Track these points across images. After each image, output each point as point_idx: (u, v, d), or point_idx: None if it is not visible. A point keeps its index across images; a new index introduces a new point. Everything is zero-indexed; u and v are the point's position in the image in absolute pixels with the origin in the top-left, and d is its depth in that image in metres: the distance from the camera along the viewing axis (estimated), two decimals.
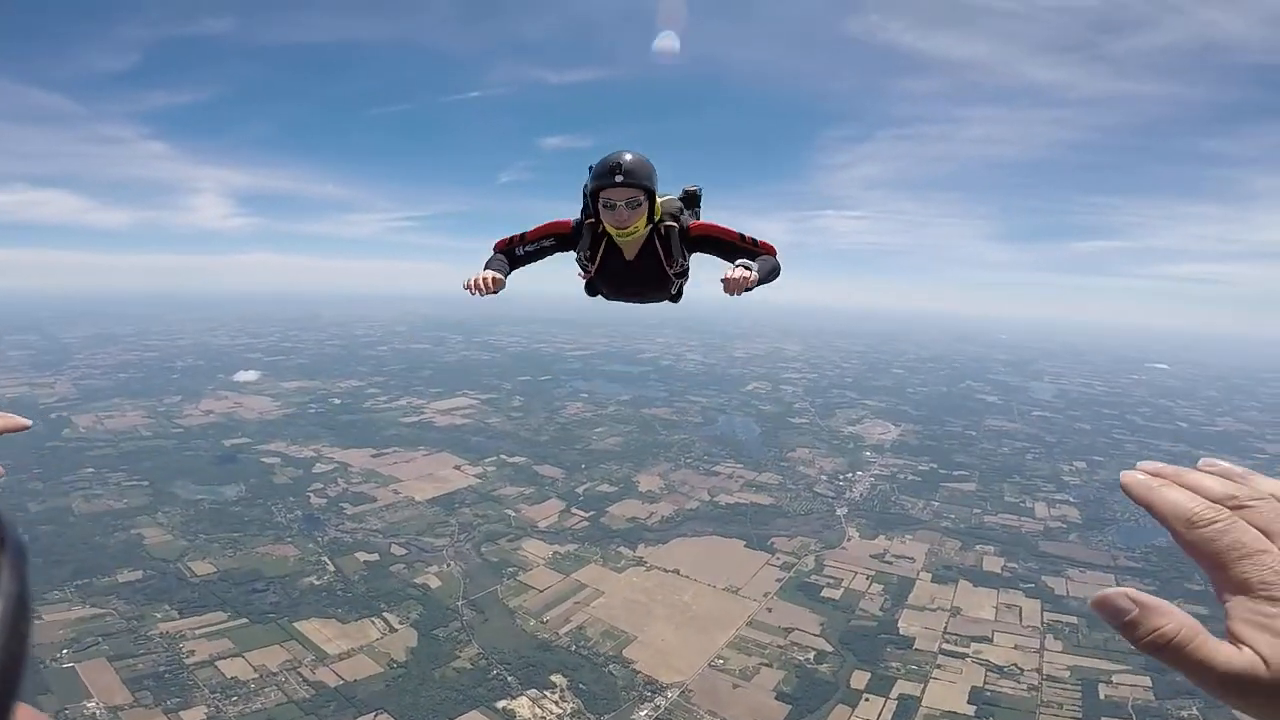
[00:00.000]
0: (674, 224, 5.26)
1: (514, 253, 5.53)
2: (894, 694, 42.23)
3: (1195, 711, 40.29)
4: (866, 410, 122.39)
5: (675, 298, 5.91)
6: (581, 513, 69.73)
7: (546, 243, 5.50)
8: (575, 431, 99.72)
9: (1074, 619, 50.90)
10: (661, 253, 5.26)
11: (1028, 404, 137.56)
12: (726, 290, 4.79)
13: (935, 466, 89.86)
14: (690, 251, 5.43)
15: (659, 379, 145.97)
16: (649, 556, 60.85)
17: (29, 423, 1.88)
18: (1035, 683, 43.39)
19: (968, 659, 45.63)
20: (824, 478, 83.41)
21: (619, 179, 4.77)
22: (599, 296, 5.97)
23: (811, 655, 46.51)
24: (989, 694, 42.26)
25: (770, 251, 5.35)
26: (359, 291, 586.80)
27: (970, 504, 76.38)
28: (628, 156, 4.83)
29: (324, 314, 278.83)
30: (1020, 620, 50.95)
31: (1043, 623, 50.54)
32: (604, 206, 4.95)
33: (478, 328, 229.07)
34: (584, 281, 5.79)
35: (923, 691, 42.36)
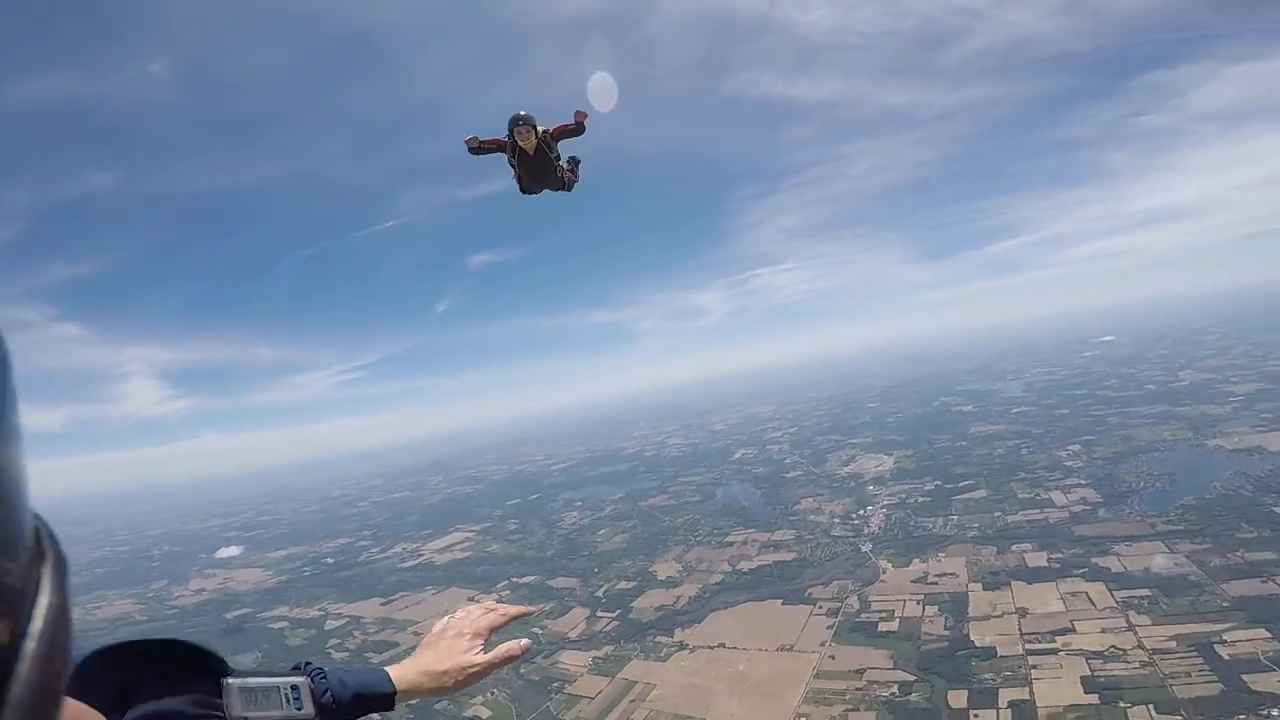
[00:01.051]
0: (547, 134, 9.52)
1: (481, 147, 9.73)
2: (1002, 703, 38.66)
3: None
4: (855, 448, 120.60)
5: (566, 187, 10.38)
6: (608, 614, 65.50)
7: (492, 145, 9.63)
8: (578, 539, 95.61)
9: (1146, 591, 48.12)
10: (545, 149, 9.56)
11: (1003, 404, 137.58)
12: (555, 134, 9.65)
13: (940, 483, 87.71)
14: (557, 144, 9.71)
15: (647, 470, 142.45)
16: (690, 638, 56.74)
17: (536, 609, 3.01)
18: (1145, 659, 40.05)
19: (1060, 653, 42.25)
20: (837, 520, 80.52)
21: (521, 121, 9.25)
22: (528, 194, 10.17)
23: (896, 688, 42.69)
24: (1103, 679, 38.84)
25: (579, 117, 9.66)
26: (324, 455, 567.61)
27: (988, 509, 74.05)
28: (523, 113, 9.28)
29: (293, 483, 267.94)
30: (1093, 604, 47.85)
31: (1117, 602, 47.56)
32: (516, 135, 9.32)
33: (455, 465, 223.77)
34: (518, 188, 10.08)
35: (1031, 694, 38.83)
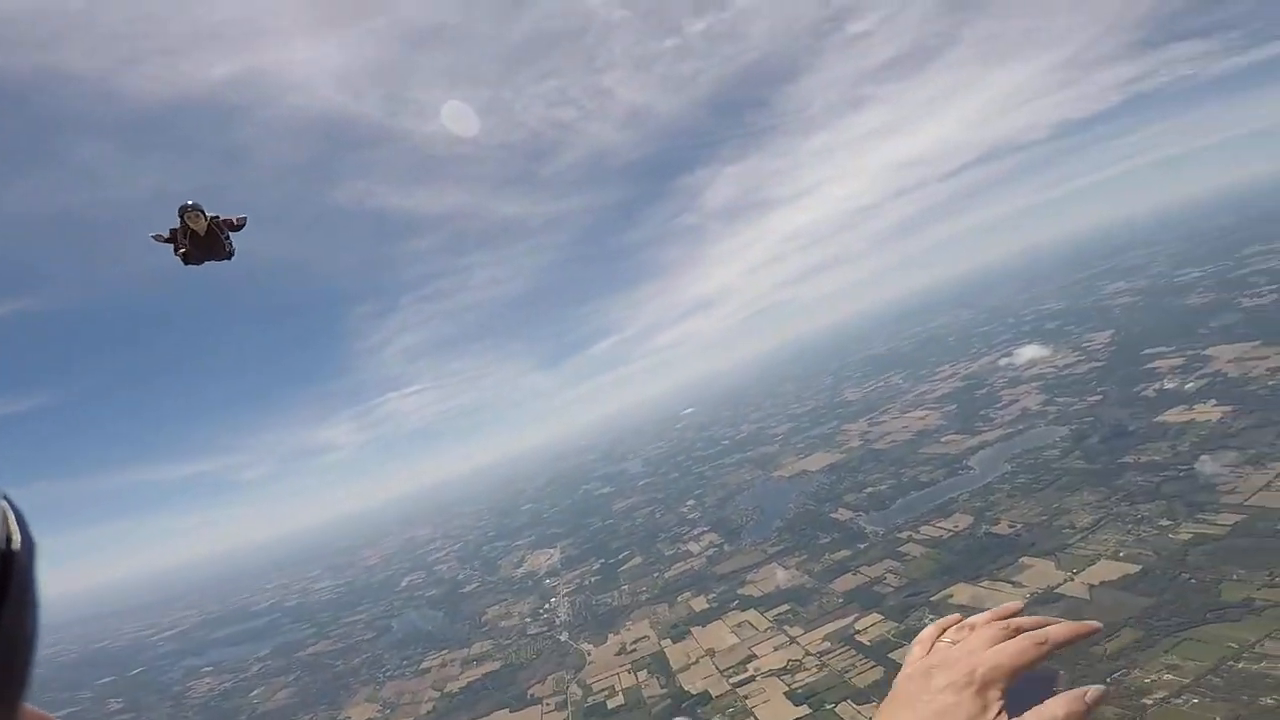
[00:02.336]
0: (217, 220, 10.04)
1: (165, 239, 10.07)
2: None
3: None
4: (523, 548, 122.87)
5: (229, 256, 10.55)
6: None
7: (165, 237, 9.99)
8: (224, 705, 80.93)
9: (786, 606, 58.28)
10: (216, 231, 10.11)
11: (631, 480, 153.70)
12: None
13: (604, 560, 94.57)
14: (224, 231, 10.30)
15: (293, 621, 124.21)
16: None
17: (1094, 625, 1.67)
18: (818, 663, 47.39)
19: (756, 679, 48.45)
20: (528, 619, 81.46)
21: (191, 210, 9.67)
22: (193, 264, 10.29)
23: None
24: (801, 690, 44.99)
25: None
26: None
27: (647, 572, 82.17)
28: (190, 201, 9.69)
29: None
30: (756, 629, 56.38)
31: (771, 621, 56.70)
32: (186, 219, 9.73)
33: None
34: (183, 257, 10.20)
35: None
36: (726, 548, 79.74)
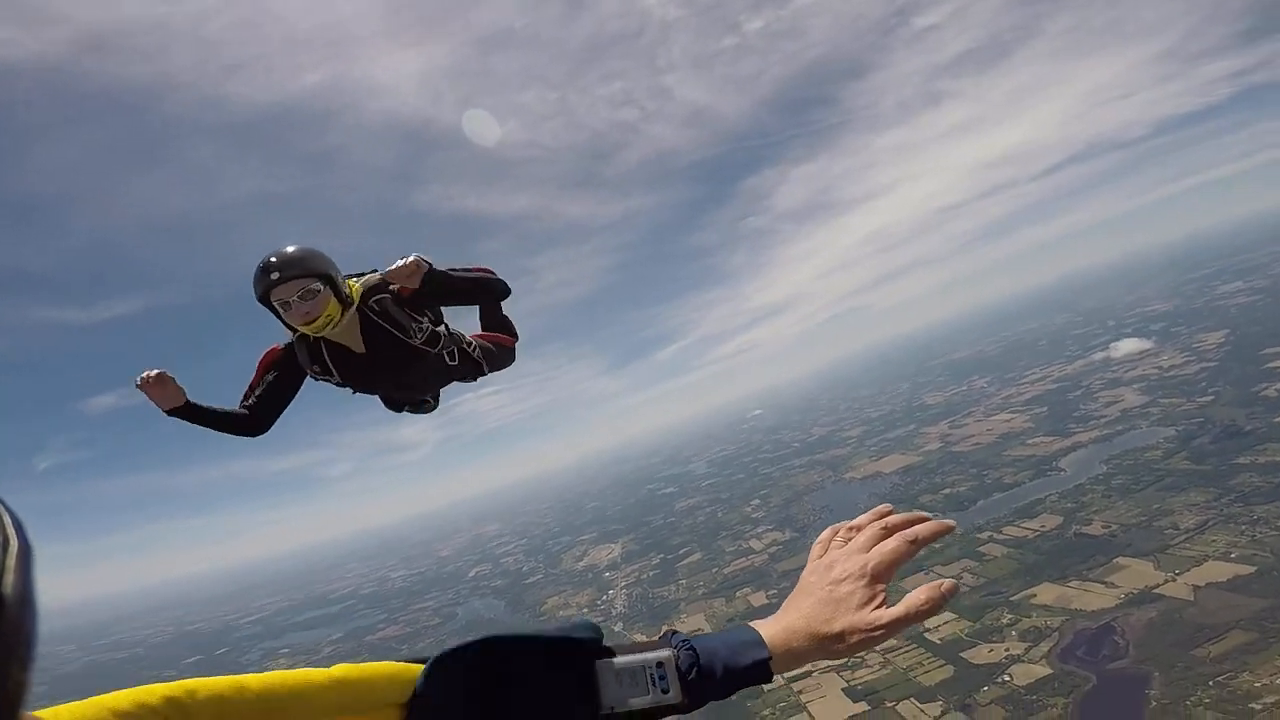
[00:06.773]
0: (384, 295, 4.15)
1: (250, 406, 4.23)
2: None
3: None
4: (585, 543, 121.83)
5: (468, 374, 4.89)
6: None
7: (270, 377, 4.26)
8: None
9: None
10: (390, 328, 4.17)
11: (695, 480, 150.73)
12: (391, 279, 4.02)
13: (664, 555, 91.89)
14: (424, 309, 4.35)
15: (368, 606, 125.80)
16: None
17: (949, 522, 1.69)
18: (880, 660, 43.40)
19: (813, 674, 44.37)
20: (585, 610, 79.60)
21: (275, 276, 3.68)
22: (398, 411, 5.00)
23: None
24: (860, 687, 41.55)
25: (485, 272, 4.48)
26: None
27: (707, 568, 79.17)
28: (289, 249, 3.78)
29: None
30: None
31: None
32: (283, 310, 3.80)
33: (92, 633, 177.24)
34: (381, 401, 4.88)
35: (811, 717, 40.36)
36: (791, 546, 75.74)
